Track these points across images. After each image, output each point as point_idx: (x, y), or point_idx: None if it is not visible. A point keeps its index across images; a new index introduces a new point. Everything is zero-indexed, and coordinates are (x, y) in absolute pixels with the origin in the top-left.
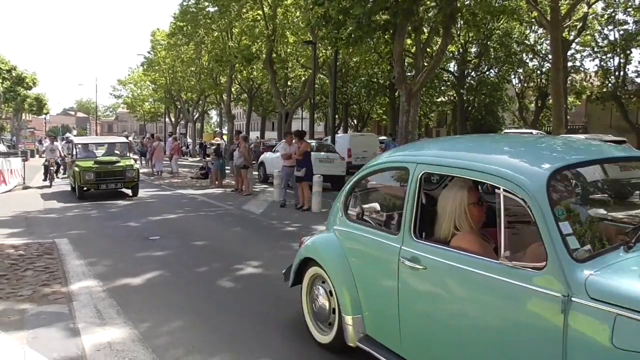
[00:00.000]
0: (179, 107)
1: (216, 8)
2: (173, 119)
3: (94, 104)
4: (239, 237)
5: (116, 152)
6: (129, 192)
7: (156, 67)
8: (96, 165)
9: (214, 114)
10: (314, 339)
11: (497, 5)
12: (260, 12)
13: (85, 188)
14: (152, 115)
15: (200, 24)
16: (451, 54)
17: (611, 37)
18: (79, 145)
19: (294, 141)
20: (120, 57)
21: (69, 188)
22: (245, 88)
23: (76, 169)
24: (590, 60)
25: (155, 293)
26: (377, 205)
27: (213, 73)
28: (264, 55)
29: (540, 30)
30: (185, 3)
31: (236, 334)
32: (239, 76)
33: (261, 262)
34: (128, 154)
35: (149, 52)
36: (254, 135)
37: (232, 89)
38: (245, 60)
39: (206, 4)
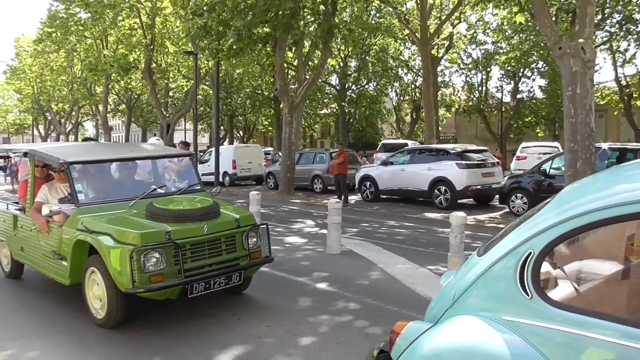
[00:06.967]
0: (49, 118)
1: (89, 15)
2: (42, 132)
3: None
4: None
5: (168, 183)
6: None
7: (21, 76)
8: (178, 227)
9: (89, 125)
10: None
11: (372, 22)
12: (137, 20)
13: (139, 292)
14: (17, 128)
15: (71, 31)
16: (332, 68)
17: (474, 56)
18: (90, 170)
19: None
20: None
21: None
22: (124, 98)
23: (105, 241)
24: (457, 76)
25: None
26: None
27: (87, 82)
28: (142, 65)
29: (413, 47)
30: (53, 8)
31: None
32: (117, 86)
33: None
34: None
35: (12, 60)
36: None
37: (109, 100)
38: (122, 70)
39: (77, 10)
